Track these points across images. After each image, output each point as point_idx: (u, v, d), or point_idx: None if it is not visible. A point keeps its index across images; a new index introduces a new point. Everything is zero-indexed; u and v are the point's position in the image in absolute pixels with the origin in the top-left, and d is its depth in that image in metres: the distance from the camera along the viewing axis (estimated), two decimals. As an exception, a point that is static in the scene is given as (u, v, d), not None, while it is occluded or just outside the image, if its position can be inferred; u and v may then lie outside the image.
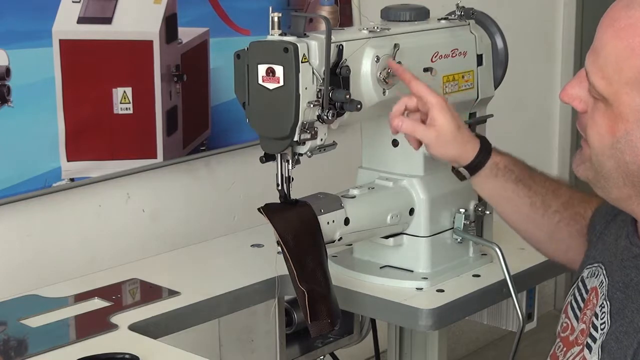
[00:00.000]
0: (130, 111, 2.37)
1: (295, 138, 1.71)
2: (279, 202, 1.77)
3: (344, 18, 2.76)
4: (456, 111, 1.88)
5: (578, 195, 1.75)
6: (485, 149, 1.73)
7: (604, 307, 1.43)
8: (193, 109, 2.51)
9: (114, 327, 1.75)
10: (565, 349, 1.52)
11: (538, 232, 1.78)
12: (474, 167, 1.73)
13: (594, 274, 1.51)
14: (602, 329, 1.41)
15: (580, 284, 1.55)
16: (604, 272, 1.48)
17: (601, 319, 1.42)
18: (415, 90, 1.73)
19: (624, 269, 1.43)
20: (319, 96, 1.70)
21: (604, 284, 1.46)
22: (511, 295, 1.88)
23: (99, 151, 2.34)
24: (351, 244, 1.97)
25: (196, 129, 2.54)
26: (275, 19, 1.69)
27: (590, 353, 1.43)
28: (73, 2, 2.24)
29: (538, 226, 1.76)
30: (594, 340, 1.43)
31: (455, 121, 1.71)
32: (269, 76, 1.69)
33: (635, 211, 1.42)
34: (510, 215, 1.79)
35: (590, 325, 1.44)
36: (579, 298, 1.54)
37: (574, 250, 1.71)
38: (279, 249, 1.73)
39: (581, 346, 1.46)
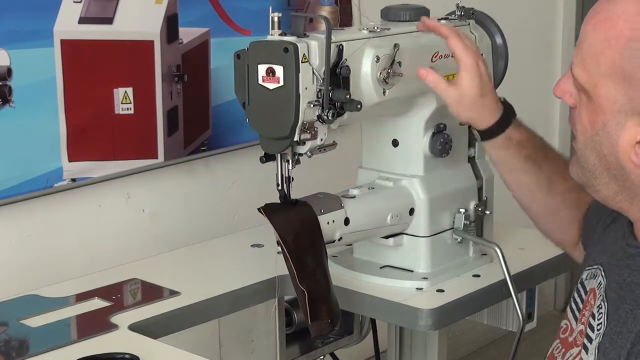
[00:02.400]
0: (131, 111, 2.37)
1: (295, 138, 1.71)
2: (279, 202, 1.77)
3: (344, 18, 2.76)
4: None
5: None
6: (504, 121, 1.74)
7: (601, 307, 1.43)
8: (194, 109, 2.51)
9: (114, 327, 1.75)
10: (563, 350, 1.53)
11: (538, 208, 1.79)
12: (486, 134, 1.74)
13: (593, 275, 1.51)
14: (598, 330, 1.42)
15: (579, 285, 1.55)
16: (603, 273, 1.48)
17: (598, 320, 1.43)
18: (452, 47, 1.74)
19: (619, 269, 1.43)
20: (319, 96, 1.70)
21: (602, 285, 1.46)
22: (511, 295, 1.89)
23: (100, 151, 2.34)
24: (351, 244, 1.98)
25: (197, 129, 2.54)
26: (275, 19, 1.69)
27: (587, 354, 1.43)
28: (74, 2, 2.24)
29: (539, 203, 1.77)
30: (590, 341, 1.43)
31: (480, 87, 1.72)
32: (269, 76, 1.69)
33: (624, 209, 1.43)
34: (513, 185, 1.79)
35: (588, 326, 1.45)
36: (578, 300, 1.54)
37: (568, 233, 1.74)
38: (279, 249, 1.73)
39: (580, 347, 1.47)
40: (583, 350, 1.44)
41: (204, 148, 2.56)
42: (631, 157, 1.35)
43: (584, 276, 1.55)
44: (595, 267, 1.52)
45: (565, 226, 1.74)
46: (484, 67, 1.75)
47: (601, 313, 1.42)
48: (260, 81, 1.70)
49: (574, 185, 1.71)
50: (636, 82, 1.32)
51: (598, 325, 1.42)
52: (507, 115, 1.75)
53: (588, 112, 1.38)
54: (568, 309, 1.56)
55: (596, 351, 1.40)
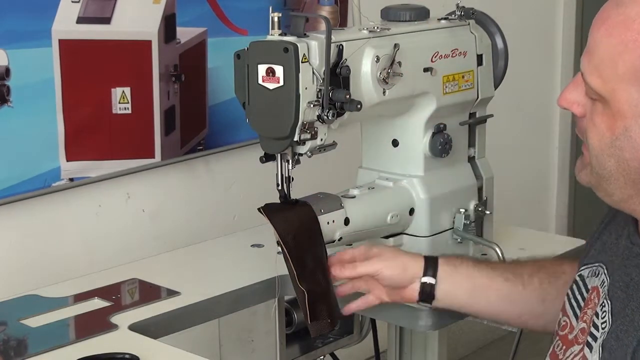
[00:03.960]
0: (129, 111, 2.37)
1: (295, 138, 1.71)
2: (278, 202, 1.77)
3: (343, 18, 2.76)
4: (455, 113, 1.89)
5: (545, 259, 1.77)
6: (430, 257, 1.74)
7: (604, 306, 1.43)
8: (191, 108, 2.51)
9: (114, 327, 1.75)
10: (564, 347, 1.52)
11: (530, 306, 1.73)
12: (430, 268, 1.72)
13: (595, 273, 1.51)
14: (602, 328, 1.42)
15: (580, 282, 1.54)
16: (605, 271, 1.48)
17: (602, 318, 1.42)
18: (364, 272, 1.75)
19: (625, 269, 1.43)
20: (319, 96, 1.70)
21: (605, 284, 1.46)
22: (511, 295, 1.88)
23: (98, 151, 2.34)
24: (351, 244, 1.97)
25: (194, 128, 2.54)
26: (275, 19, 1.69)
27: (590, 352, 1.43)
28: (72, 2, 2.24)
29: (526, 300, 1.72)
30: (595, 339, 1.43)
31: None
32: (269, 76, 1.68)
33: (637, 211, 1.42)
34: (496, 305, 1.74)
35: (591, 324, 1.45)
36: (578, 297, 1.54)
37: None
38: (279, 249, 1.73)
39: (581, 345, 1.46)
40: (586, 348, 1.44)
41: (201, 147, 2.56)
42: None
43: (584, 273, 1.55)
44: (597, 265, 1.52)
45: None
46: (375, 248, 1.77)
47: (605, 312, 1.42)
48: (260, 81, 1.69)
49: (535, 264, 1.74)
50: None
51: (602, 323, 1.42)
52: (430, 260, 1.74)
53: (605, 118, 1.36)
54: (567, 305, 1.56)
55: (600, 349, 1.40)
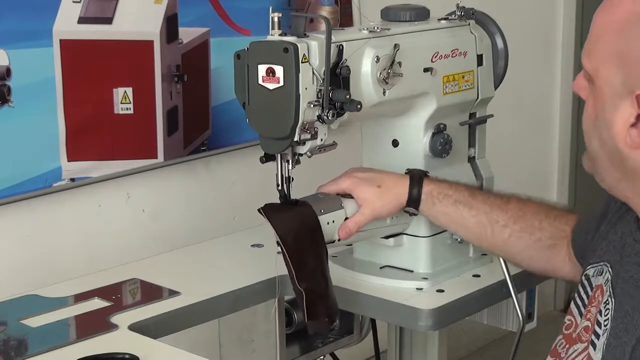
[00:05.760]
0: (131, 111, 2.37)
1: (295, 138, 1.71)
2: (278, 202, 1.77)
3: (344, 18, 2.76)
4: (455, 113, 1.89)
5: (531, 208, 1.81)
6: (416, 183, 1.82)
7: (608, 304, 1.43)
8: (193, 109, 2.51)
9: (114, 327, 1.75)
10: (567, 345, 1.53)
11: (495, 248, 1.84)
12: (412, 203, 1.82)
13: (600, 272, 1.51)
14: (605, 326, 1.42)
15: (585, 282, 1.55)
16: (610, 270, 1.48)
17: (605, 316, 1.43)
18: (327, 191, 1.84)
19: (626, 266, 1.43)
20: (319, 96, 1.70)
21: (609, 282, 1.46)
22: (511, 295, 1.89)
23: (100, 151, 2.34)
24: (351, 244, 1.98)
25: (197, 129, 2.54)
26: (276, 19, 1.69)
27: (594, 350, 1.43)
28: (73, 2, 2.24)
29: (492, 242, 1.82)
30: (598, 337, 1.43)
31: (373, 184, 1.82)
32: (269, 76, 1.69)
33: (628, 197, 1.43)
34: (468, 237, 1.87)
35: (595, 323, 1.45)
36: (583, 295, 1.54)
37: (538, 260, 1.79)
38: (279, 249, 1.73)
39: (585, 343, 1.46)
40: (591, 347, 1.44)
41: (204, 148, 2.56)
42: (626, 139, 1.34)
43: (589, 272, 1.55)
44: (602, 263, 1.52)
45: (531, 255, 1.80)
46: (359, 170, 1.87)
47: (608, 309, 1.42)
48: (260, 81, 1.70)
49: (517, 214, 1.79)
50: (629, 62, 1.33)
51: (605, 321, 1.42)
52: (417, 177, 1.83)
53: (592, 98, 1.40)
54: (572, 305, 1.56)
55: (604, 347, 1.40)
